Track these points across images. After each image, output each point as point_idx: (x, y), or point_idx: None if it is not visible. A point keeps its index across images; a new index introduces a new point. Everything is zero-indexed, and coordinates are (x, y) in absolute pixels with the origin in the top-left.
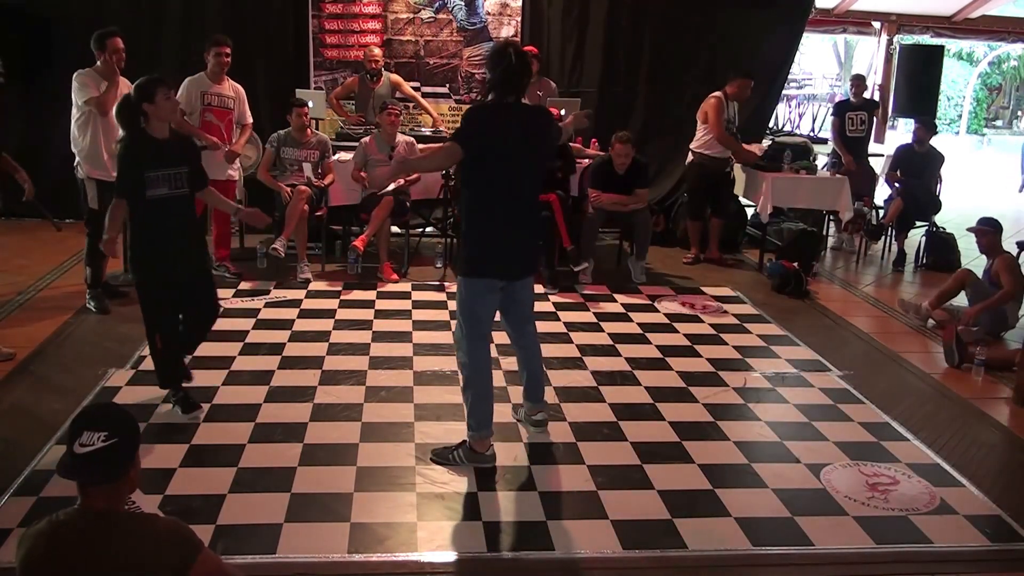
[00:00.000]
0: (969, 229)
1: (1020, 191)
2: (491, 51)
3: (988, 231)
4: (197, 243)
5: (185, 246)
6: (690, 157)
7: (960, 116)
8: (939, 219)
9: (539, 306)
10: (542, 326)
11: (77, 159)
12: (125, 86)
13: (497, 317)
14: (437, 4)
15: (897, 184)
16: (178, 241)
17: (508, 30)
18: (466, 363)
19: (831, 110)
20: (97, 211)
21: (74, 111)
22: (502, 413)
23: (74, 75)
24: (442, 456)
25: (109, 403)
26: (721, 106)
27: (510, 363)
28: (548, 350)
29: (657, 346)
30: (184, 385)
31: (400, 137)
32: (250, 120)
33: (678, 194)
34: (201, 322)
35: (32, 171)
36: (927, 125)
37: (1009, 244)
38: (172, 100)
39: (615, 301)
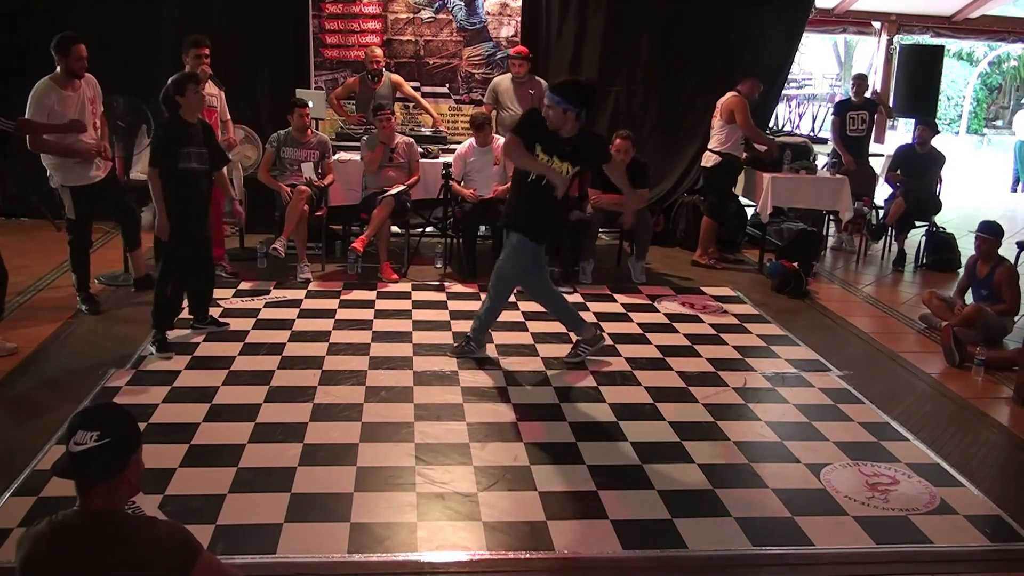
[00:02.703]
0: (973, 232)
1: (1014, 191)
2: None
3: (990, 240)
4: (207, 212)
5: (203, 211)
6: (715, 158)
7: (960, 116)
8: (939, 219)
9: (539, 306)
10: (542, 326)
11: (48, 169)
12: (87, 84)
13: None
14: (437, 4)
15: (898, 184)
16: (199, 206)
17: (508, 30)
18: (545, 296)
19: (832, 109)
20: (75, 220)
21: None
22: (503, 413)
23: (33, 89)
24: (576, 358)
25: (107, 403)
26: (747, 105)
27: (509, 362)
28: (548, 350)
29: (657, 346)
30: (216, 328)
31: (400, 138)
32: (228, 117)
33: (678, 194)
34: (204, 273)
35: (32, 170)
36: (930, 126)
37: (1008, 244)
38: (200, 95)
39: (615, 301)
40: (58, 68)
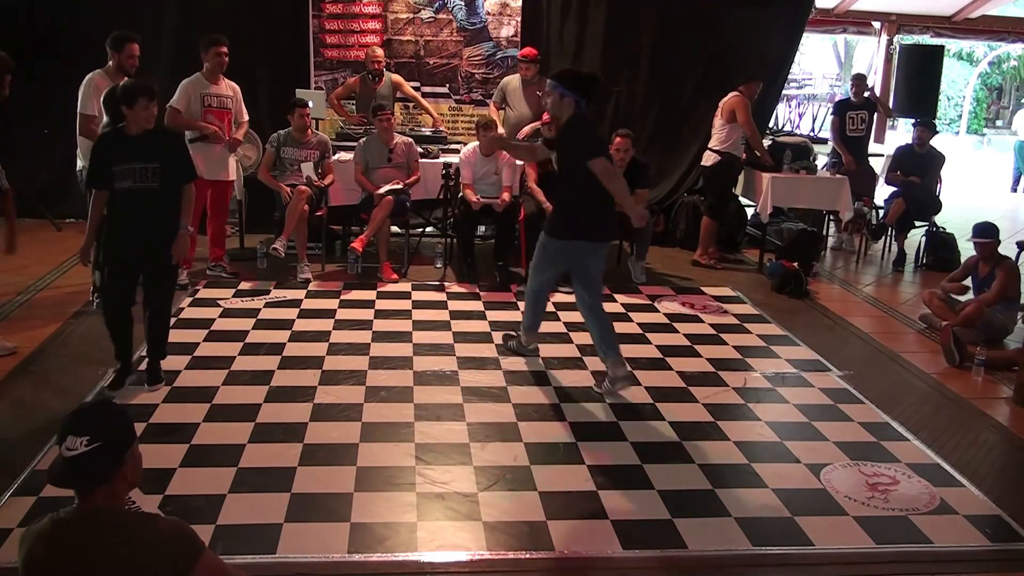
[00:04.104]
0: (972, 240)
1: (1014, 191)
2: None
3: (989, 242)
4: (161, 238)
5: (147, 238)
6: (715, 157)
7: (960, 116)
8: (939, 219)
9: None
10: (543, 326)
11: (81, 164)
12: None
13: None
14: (437, 4)
15: (899, 184)
16: (140, 233)
17: (508, 30)
18: (529, 288)
19: (831, 109)
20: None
21: (78, 114)
22: (504, 413)
23: (85, 81)
24: (505, 346)
25: (96, 403)
26: (748, 104)
27: (509, 363)
28: (548, 350)
29: (657, 346)
30: (154, 386)
31: (399, 138)
32: (246, 117)
33: (678, 194)
34: (151, 320)
35: (32, 170)
36: (928, 126)
37: (1008, 245)
38: (150, 111)
39: (615, 301)
40: (110, 63)
